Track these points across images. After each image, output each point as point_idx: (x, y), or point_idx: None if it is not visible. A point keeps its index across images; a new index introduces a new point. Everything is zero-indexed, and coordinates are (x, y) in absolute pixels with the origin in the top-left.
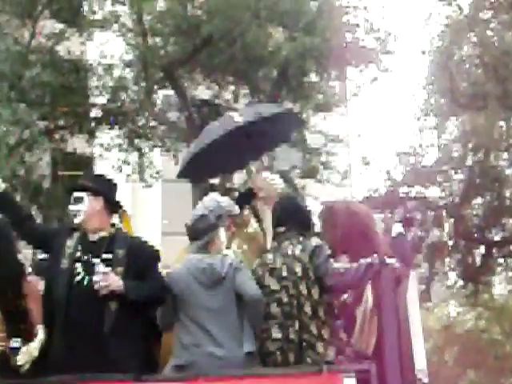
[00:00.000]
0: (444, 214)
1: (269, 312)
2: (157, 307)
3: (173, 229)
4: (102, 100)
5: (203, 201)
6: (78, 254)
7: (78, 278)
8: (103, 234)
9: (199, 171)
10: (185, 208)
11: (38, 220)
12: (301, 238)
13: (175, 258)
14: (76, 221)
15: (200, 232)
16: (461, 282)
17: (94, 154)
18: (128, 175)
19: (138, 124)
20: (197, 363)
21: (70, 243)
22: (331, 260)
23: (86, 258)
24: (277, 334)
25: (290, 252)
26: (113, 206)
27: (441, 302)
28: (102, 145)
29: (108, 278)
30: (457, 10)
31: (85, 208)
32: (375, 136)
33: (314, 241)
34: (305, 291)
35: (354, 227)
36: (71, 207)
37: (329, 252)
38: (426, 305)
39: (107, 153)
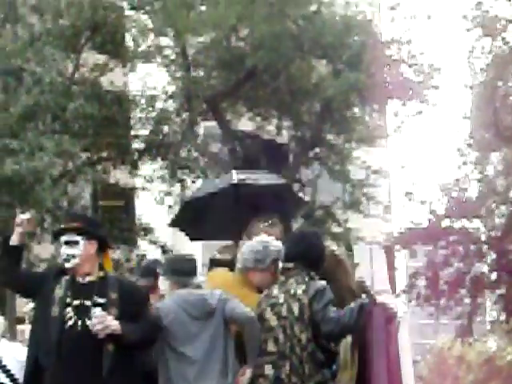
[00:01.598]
0: (486, 247)
1: (265, 349)
2: (150, 348)
3: None
4: (144, 132)
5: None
6: (68, 299)
7: (71, 322)
8: (92, 277)
9: (194, 228)
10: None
11: None
12: (306, 278)
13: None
14: (69, 265)
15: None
16: (503, 317)
17: (137, 185)
18: (170, 206)
19: (181, 156)
20: None
21: (59, 289)
22: (331, 306)
23: (77, 302)
24: (269, 371)
25: (292, 291)
26: (103, 248)
27: (482, 336)
28: (144, 176)
29: (106, 321)
30: (501, 44)
31: (80, 252)
32: (418, 169)
33: (319, 283)
34: (297, 333)
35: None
36: (64, 251)
37: (331, 297)
38: (468, 339)
39: (149, 184)
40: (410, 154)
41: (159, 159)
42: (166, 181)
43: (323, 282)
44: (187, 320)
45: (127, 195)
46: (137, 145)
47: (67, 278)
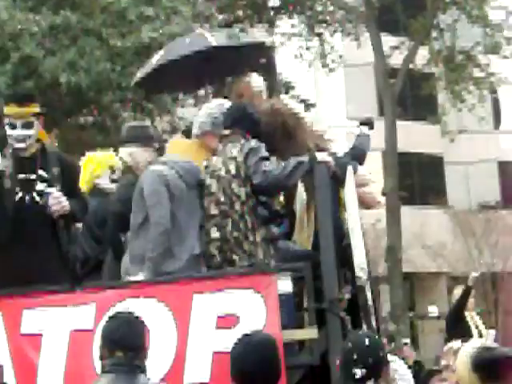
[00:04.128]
0: None
1: (209, 214)
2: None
3: (358, 114)
4: None
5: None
6: (10, 170)
7: (18, 196)
8: (32, 148)
9: (158, 84)
10: (368, 92)
11: None
12: (242, 140)
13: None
14: (22, 145)
15: None
16: None
17: (275, 42)
18: (310, 61)
19: (317, 10)
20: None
21: (7, 162)
22: (266, 162)
23: (22, 176)
24: (215, 233)
25: (229, 153)
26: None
27: None
28: (282, 33)
29: (62, 200)
30: None
31: (34, 132)
32: None
33: (253, 142)
34: (236, 190)
35: (277, 126)
36: (20, 132)
37: (265, 154)
38: None
39: (288, 41)
40: None
41: (295, 15)
42: (304, 36)
43: (258, 142)
44: (184, 188)
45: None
46: (272, 2)
47: (10, 150)
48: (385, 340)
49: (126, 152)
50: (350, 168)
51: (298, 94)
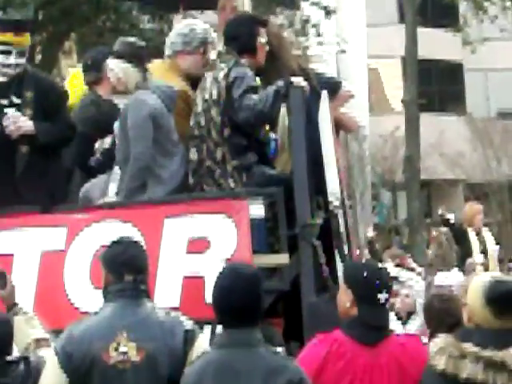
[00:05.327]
0: None
1: (192, 134)
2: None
3: (377, 21)
4: None
5: None
6: None
7: None
8: (13, 72)
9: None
10: None
11: None
12: (232, 62)
13: None
14: (12, 72)
15: None
16: None
17: None
18: None
19: None
20: None
21: None
22: (250, 95)
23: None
24: (194, 155)
25: (216, 75)
26: None
27: None
28: None
29: (18, 122)
30: None
31: (24, 60)
32: None
33: (243, 70)
34: (214, 116)
35: None
36: (14, 60)
37: (251, 84)
38: None
39: None
40: None
41: None
42: None
43: (247, 70)
44: (168, 114)
45: None
46: None
47: None
48: None
49: (119, 66)
50: (324, 93)
51: (318, 0)
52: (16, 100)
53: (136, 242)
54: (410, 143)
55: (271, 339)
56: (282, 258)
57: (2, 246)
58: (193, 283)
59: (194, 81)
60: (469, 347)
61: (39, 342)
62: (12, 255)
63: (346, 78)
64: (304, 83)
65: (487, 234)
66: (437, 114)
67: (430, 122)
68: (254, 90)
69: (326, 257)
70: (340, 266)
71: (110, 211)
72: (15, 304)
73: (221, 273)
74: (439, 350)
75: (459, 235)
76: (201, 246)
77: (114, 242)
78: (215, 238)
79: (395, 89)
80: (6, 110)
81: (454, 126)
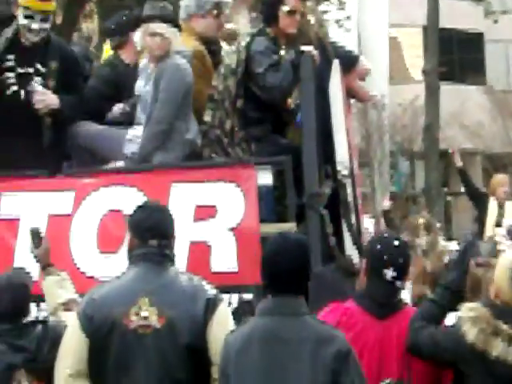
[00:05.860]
0: None
1: (211, 96)
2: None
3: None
4: None
5: None
6: (11, 63)
7: (13, 88)
8: (37, 38)
9: None
10: None
11: None
12: (256, 31)
13: None
14: (36, 39)
15: None
16: None
17: None
18: None
19: None
20: None
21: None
22: (271, 73)
23: (21, 70)
24: (208, 117)
25: (241, 41)
26: None
27: None
28: None
29: (47, 98)
30: None
31: (48, 26)
32: None
33: (264, 41)
34: (231, 86)
35: None
36: (38, 25)
37: (272, 60)
38: None
39: None
40: None
41: None
42: None
43: (267, 42)
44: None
45: None
46: None
47: (9, 36)
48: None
49: (170, 30)
50: (336, 62)
51: None
52: (42, 69)
53: (162, 207)
54: (430, 112)
55: None
56: (290, 227)
57: (9, 210)
58: (199, 250)
59: (209, 43)
60: (503, 326)
61: (68, 304)
62: (18, 219)
63: (367, 45)
64: (315, 52)
65: (510, 208)
66: (457, 84)
67: (449, 92)
68: (275, 65)
69: (333, 226)
70: (347, 236)
71: (117, 176)
72: (50, 264)
73: (270, 239)
74: (471, 319)
75: (478, 199)
76: (208, 212)
77: (139, 207)
78: (223, 206)
79: (415, 58)
80: (33, 83)
81: (474, 97)
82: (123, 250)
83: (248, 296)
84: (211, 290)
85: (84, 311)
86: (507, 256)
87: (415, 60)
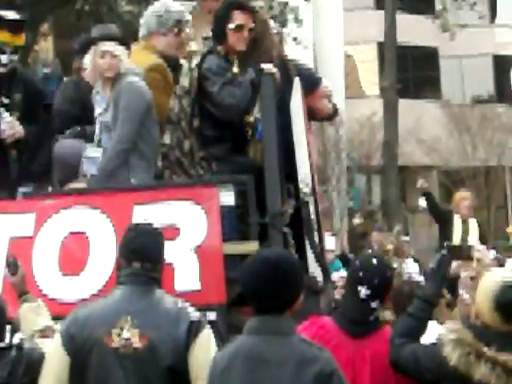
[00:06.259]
0: None
1: (169, 117)
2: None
3: (354, 5)
4: None
5: None
6: None
7: None
8: (2, 68)
9: None
10: None
11: None
12: (206, 50)
13: None
14: (3, 70)
15: None
16: None
17: None
18: None
19: None
20: None
21: None
22: (226, 91)
23: None
24: (167, 139)
25: (191, 64)
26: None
27: None
28: None
29: (15, 127)
30: None
31: (17, 57)
32: None
33: (215, 59)
34: (185, 106)
35: None
36: (7, 57)
37: (225, 78)
38: None
39: None
40: None
41: None
42: None
43: (219, 60)
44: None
45: None
46: None
47: None
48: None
49: (119, 48)
50: (296, 80)
51: None
52: (5, 100)
53: (152, 229)
54: (389, 128)
55: (241, 327)
56: (252, 246)
57: None
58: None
59: (169, 61)
60: (486, 350)
61: (44, 331)
62: None
63: (323, 62)
64: (275, 70)
65: (473, 225)
66: (413, 100)
67: (406, 108)
68: (230, 82)
69: (295, 245)
70: (310, 254)
71: (79, 197)
72: (26, 291)
73: (251, 258)
74: (453, 341)
75: (443, 217)
76: (170, 233)
77: (129, 228)
78: (185, 226)
79: (370, 74)
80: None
81: (431, 112)
82: (85, 272)
83: (212, 315)
84: (195, 314)
85: (67, 329)
86: (489, 278)
87: (370, 76)
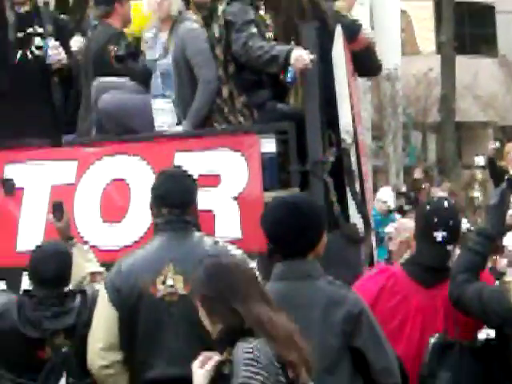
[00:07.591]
0: None
1: None
2: None
3: None
4: None
5: None
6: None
7: (19, 54)
8: (27, 6)
9: None
10: None
11: None
12: None
13: None
14: (27, 8)
15: None
16: None
17: None
18: None
19: None
20: None
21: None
22: (245, 32)
23: (20, 34)
24: None
25: (218, 10)
26: None
27: None
28: None
29: (60, 52)
30: None
31: None
32: None
33: (238, 4)
34: (219, 54)
35: None
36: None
37: (247, 18)
38: None
39: None
40: None
41: None
42: None
43: (242, 4)
44: None
45: None
46: None
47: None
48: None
49: None
50: (338, 28)
51: None
52: (39, 29)
53: (179, 173)
54: (446, 83)
55: None
56: None
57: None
58: (203, 218)
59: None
60: None
61: (94, 276)
62: (22, 189)
63: (379, 19)
64: (305, 56)
65: None
66: (470, 56)
67: (463, 65)
68: (248, 23)
69: (337, 194)
70: (351, 204)
71: (121, 145)
72: (71, 237)
73: (269, 204)
74: None
75: (499, 173)
76: (211, 181)
77: (158, 174)
78: (226, 173)
79: (426, 31)
80: (45, 40)
81: (487, 68)
82: (127, 220)
83: (252, 263)
84: (237, 252)
85: (112, 282)
86: None
87: (426, 33)
